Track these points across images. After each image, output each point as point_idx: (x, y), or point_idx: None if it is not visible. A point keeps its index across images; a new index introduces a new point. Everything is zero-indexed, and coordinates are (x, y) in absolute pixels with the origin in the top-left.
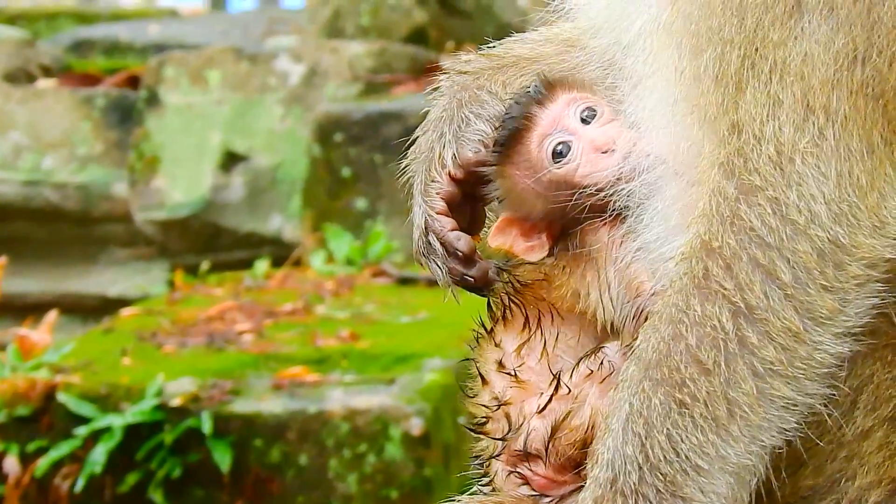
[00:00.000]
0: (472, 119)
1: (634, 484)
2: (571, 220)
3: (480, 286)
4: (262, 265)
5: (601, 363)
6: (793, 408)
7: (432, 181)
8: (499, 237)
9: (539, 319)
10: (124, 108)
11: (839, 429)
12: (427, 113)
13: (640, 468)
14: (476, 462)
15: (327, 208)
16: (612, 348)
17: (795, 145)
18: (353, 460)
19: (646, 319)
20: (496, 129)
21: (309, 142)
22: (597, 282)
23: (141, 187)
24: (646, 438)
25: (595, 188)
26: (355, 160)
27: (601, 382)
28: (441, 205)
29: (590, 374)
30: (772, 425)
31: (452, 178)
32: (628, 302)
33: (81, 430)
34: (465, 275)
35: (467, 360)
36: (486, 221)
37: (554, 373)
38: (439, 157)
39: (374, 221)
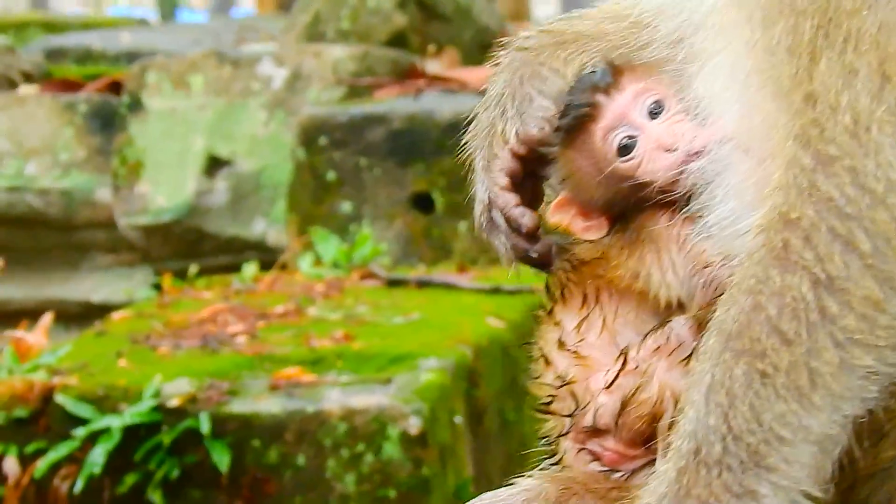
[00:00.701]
0: (534, 96)
1: (718, 455)
2: (631, 206)
3: (543, 262)
4: (250, 269)
5: (668, 337)
6: (874, 377)
7: (495, 157)
8: (558, 214)
9: (597, 296)
10: (107, 114)
11: None
12: (485, 89)
13: (724, 439)
14: (543, 442)
15: (312, 212)
16: (679, 322)
17: (872, 114)
18: (351, 460)
19: (713, 293)
20: (560, 112)
21: (293, 146)
22: (658, 262)
23: (124, 193)
24: (728, 409)
25: (658, 185)
26: (340, 164)
27: (669, 356)
28: (505, 180)
29: (657, 349)
30: (854, 395)
31: (515, 155)
32: (694, 277)
33: (80, 432)
34: (528, 251)
35: (528, 343)
36: (546, 198)
37: (619, 348)
38: (501, 133)
39: (359, 225)
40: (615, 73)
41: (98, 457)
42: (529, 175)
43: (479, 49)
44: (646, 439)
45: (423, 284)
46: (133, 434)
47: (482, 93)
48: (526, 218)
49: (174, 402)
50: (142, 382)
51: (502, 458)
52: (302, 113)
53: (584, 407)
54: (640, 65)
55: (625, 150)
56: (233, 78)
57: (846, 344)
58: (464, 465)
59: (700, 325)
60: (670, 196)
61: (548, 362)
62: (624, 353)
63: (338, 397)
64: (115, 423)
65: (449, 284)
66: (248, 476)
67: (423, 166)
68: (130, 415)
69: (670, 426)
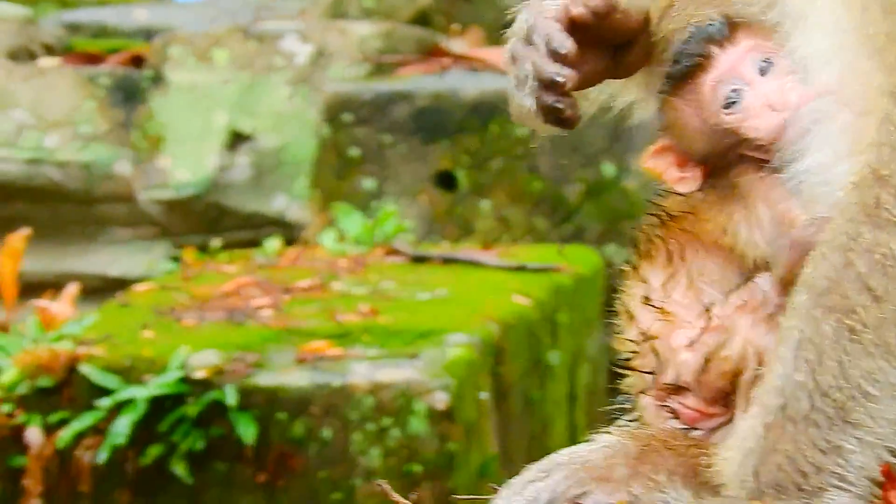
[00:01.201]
0: None
1: (805, 410)
2: (728, 160)
3: (566, 115)
4: (272, 243)
5: (753, 294)
6: None
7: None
8: (654, 160)
9: (683, 253)
10: (128, 88)
11: None
12: None
13: (811, 395)
14: (623, 398)
15: (335, 188)
16: (764, 280)
17: None
18: (377, 435)
19: (798, 255)
20: (672, 60)
21: (316, 122)
22: (746, 219)
23: (145, 167)
24: (817, 365)
25: (759, 141)
26: (363, 140)
27: (753, 313)
28: (555, 16)
29: (742, 306)
30: None
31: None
32: (781, 237)
33: (104, 402)
34: (558, 74)
35: (615, 294)
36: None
37: (703, 305)
38: None
39: (382, 202)
40: (731, 28)
41: (122, 427)
42: (588, 47)
43: (502, 28)
44: (725, 397)
45: (447, 261)
46: (158, 405)
47: (505, 72)
48: (569, 42)
49: (200, 374)
50: (167, 354)
51: (526, 436)
52: (326, 89)
53: (666, 363)
54: (755, 23)
55: (731, 103)
56: (256, 53)
57: None
58: (488, 442)
59: (784, 285)
60: (767, 154)
61: (631, 318)
62: (708, 310)
63: (364, 371)
64: (141, 393)
65: (474, 262)
66: (273, 449)
67: (446, 144)
68: (156, 386)
69: (752, 383)
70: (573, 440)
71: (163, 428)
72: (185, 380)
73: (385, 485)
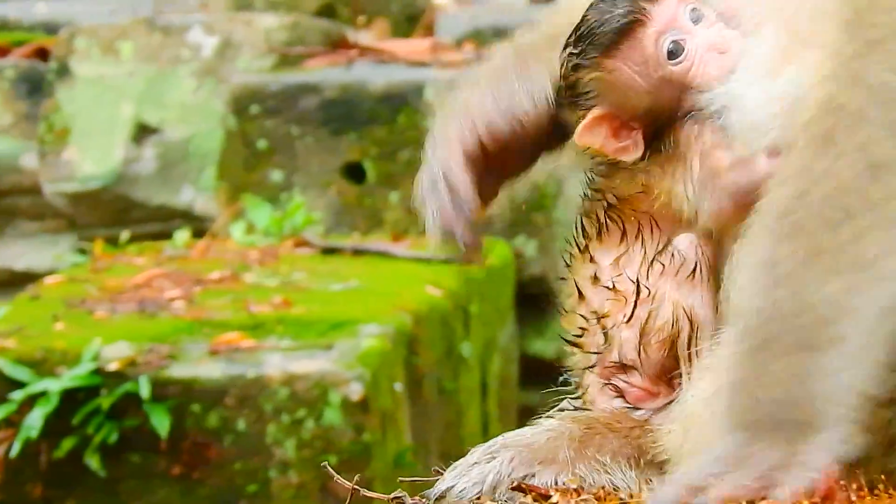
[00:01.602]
0: (517, 91)
1: (764, 339)
2: (668, 118)
3: (465, 255)
4: (182, 235)
5: (672, 256)
6: None
7: (464, 134)
8: (587, 136)
9: (638, 231)
10: (34, 80)
11: None
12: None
13: (769, 320)
14: (568, 376)
15: (243, 180)
16: (682, 240)
17: None
18: (292, 426)
19: (725, 199)
20: (597, 24)
21: (224, 114)
22: (682, 176)
23: (51, 159)
24: (773, 289)
25: (705, 88)
26: (271, 132)
27: (675, 276)
28: (461, 159)
29: (663, 270)
30: None
31: (480, 142)
32: (707, 185)
33: (17, 395)
34: (458, 235)
35: (561, 278)
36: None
37: (635, 279)
38: (474, 119)
39: (290, 193)
40: None
41: (35, 420)
42: (490, 170)
43: (407, 21)
44: (670, 376)
45: (358, 252)
46: (71, 398)
47: (412, 64)
48: (471, 202)
49: (113, 366)
50: (80, 346)
51: (440, 426)
52: (233, 81)
53: (612, 342)
54: None
55: (674, 54)
56: (162, 45)
57: (892, 227)
58: (403, 432)
59: (709, 239)
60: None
61: (582, 297)
62: (636, 283)
63: (278, 362)
64: (53, 386)
65: (385, 253)
66: (187, 441)
67: (355, 136)
68: (69, 378)
69: (688, 345)
70: (486, 429)
71: (76, 420)
72: (98, 372)
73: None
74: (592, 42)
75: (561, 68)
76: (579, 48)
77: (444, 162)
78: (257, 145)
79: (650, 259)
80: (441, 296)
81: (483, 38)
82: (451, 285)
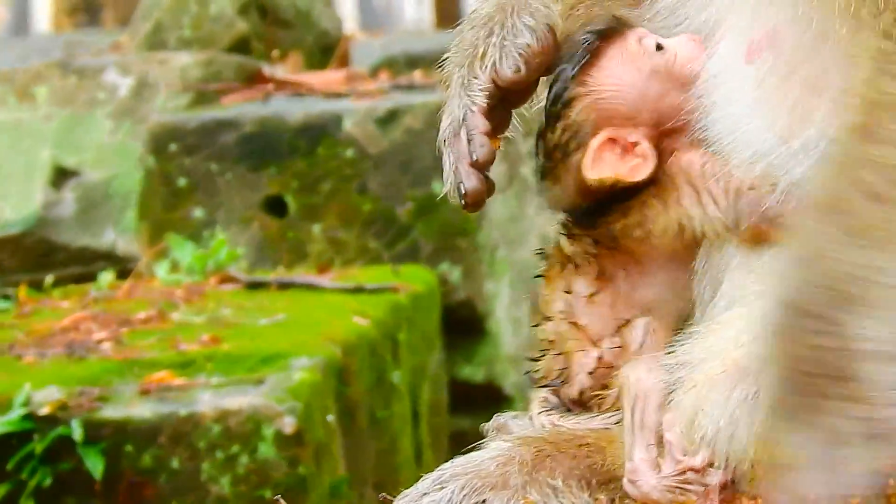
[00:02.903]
0: (521, 29)
1: (805, 305)
2: (665, 123)
3: (468, 202)
4: (106, 277)
5: (629, 338)
6: None
7: (475, 77)
8: (597, 167)
9: (619, 271)
10: None
11: None
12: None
13: (813, 289)
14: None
15: (164, 219)
16: (639, 325)
17: None
18: (226, 462)
19: (760, 212)
20: (583, 40)
21: (142, 153)
22: (698, 200)
23: None
24: (816, 261)
25: (693, 77)
26: (191, 170)
27: (628, 356)
28: (483, 103)
29: (618, 349)
30: None
31: (493, 82)
32: (738, 202)
33: None
34: (462, 183)
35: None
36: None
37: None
38: (482, 56)
39: (213, 230)
40: (619, 22)
41: None
42: (501, 103)
43: (321, 53)
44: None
45: (284, 286)
46: (4, 444)
47: (328, 95)
48: (484, 150)
49: (45, 410)
50: (10, 391)
51: (374, 455)
52: (150, 120)
53: (571, 379)
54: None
55: (660, 46)
56: (78, 88)
57: None
58: (338, 463)
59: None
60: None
61: (549, 319)
62: (597, 343)
63: (210, 399)
64: None
65: (311, 285)
66: (123, 482)
67: (275, 170)
68: (0, 424)
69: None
70: (419, 457)
71: (10, 466)
72: (30, 416)
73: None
74: (576, 63)
75: (548, 124)
76: (563, 81)
77: (466, 109)
78: (177, 183)
79: (617, 318)
80: (369, 325)
81: (396, 65)
82: (379, 314)
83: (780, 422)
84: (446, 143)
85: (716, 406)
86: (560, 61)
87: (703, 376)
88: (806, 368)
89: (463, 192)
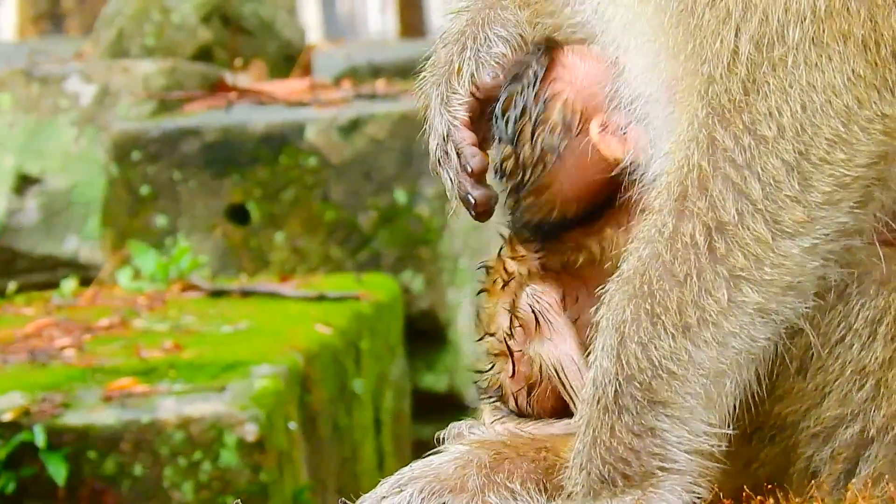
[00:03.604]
0: (493, 40)
1: (613, 396)
2: None
3: (479, 210)
4: (69, 284)
5: (522, 314)
6: (764, 315)
7: (454, 92)
8: (609, 149)
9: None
10: None
11: (860, 359)
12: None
13: (618, 379)
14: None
15: (127, 227)
16: (524, 295)
17: (760, 65)
18: (189, 468)
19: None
20: (524, 72)
21: (105, 161)
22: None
23: None
24: (620, 349)
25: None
26: (154, 178)
27: (535, 331)
28: (464, 116)
29: (520, 328)
30: (743, 332)
31: (473, 95)
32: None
33: None
34: (469, 194)
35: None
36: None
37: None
38: (458, 71)
39: (175, 238)
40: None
41: None
42: (483, 115)
43: (284, 61)
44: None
45: (246, 294)
46: None
47: (291, 104)
48: (475, 159)
49: (7, 416)
50: None
51: (336, 463)
52: (113, 128)
53: (507, 396)
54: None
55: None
56: (41, 96)
57: (734, 282)
58: (300, 470)
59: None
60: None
61: (490, 334)
62: (505, 341)
63: (172, 406)
64: None
65: (273, 293)
66: (85, 487)
67: (237, 178)
68: None
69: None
70: (381, 464)
71: None
72: None
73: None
74: (537, 71)
75: (516, 141)
76: (531, 88)
77: (448, 124)
78: (140, 191)
79: (510, 317)
80: (331, 334)
81: (359, 74)
82: (341, 323)
83: (575, 498)
84: (440, 162)
85: None
86: (507, 82)
87: None
88: (613, 462)
89: (472, 202)
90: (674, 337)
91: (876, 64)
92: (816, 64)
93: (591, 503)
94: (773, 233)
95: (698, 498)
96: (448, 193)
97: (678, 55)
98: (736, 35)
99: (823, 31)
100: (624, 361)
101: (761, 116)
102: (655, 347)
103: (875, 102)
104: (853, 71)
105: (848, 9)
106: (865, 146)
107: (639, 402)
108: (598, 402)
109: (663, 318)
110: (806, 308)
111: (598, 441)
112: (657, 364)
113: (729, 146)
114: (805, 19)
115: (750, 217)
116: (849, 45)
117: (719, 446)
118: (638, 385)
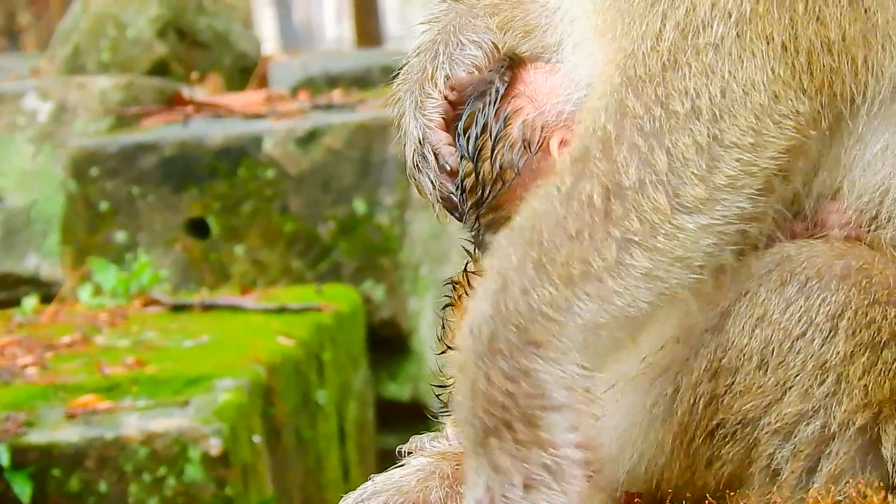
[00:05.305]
0: (466, 43)
1: (488, 339)
2: None
3: (462, 210)
4: (30, 301)
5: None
6: (650, 281)
7: (428, 96)
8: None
9: None
10: None
11: (821, 354)
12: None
13: (494, 321)
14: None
15: (87, 243)
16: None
17: (684, 49)
18: (154, 484)
19: None
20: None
21: (63, 178)
22: None
23: None
24: (501, 294)
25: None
26: (112, 193)
27: None
28: (439, 118)
29: None
30: (627, 292)
31: (446, 98)
32: None
33: None
34: (451, 193)
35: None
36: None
37: None
38: (432, 77)
39: (135, 253)
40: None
41: None
42: (455, 120)
43: (240, 74)
44: None
45: (208, 308)
46: None
47: (248, 116)
48: (453, 159)
49: None
50: None
51: (301, 475)
52: (70, 145)
53: None
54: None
55: None
56: None
57: (625, 244)
58: (265, 482)
59: None
60: None
61: (451, 348)
62: None
63: (136, 422)
64: None
65: (235, 306)
66: None
67: (196, 192)
68: None
69: None
70: (346, 475)
71: None
72: None
73: None
74: (499, 87)
75: (477, 158)
76: (491, 105)
77: (422, 128)
78: (99, 207)
79: None
80: (293, 345)
81: (316, 84)
82: (303, 334)
83: (468, 454)
84: (418, 167)
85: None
86: (471, 99)
87: None
88: (493, 410)
89: (454, 201)
90: (557, 287)
91: (794, 67)
92: (739, 57)
93: (484, 458)
94: (672, 206)
95: (586, 437)
96: (429, 197)
97: (605, 34)
98: (662, 21)
99: (747, 31)
100: (503, 305)
101: (675, 92)
102: (537, 295)
103: (791, 100)
104: (773, 70)
105: (771, 13)
106: (776, 139)
107: (513, 344)
108: (473, 347)
109: (549, 267)
110: (691, 279)
111: (476, 391)
112: (535, 309)
113: (639, 114)
114: (730, 17)
115: (651, 186)
116: (771, 46)
117: (595, 391)
118: (514, 328)
